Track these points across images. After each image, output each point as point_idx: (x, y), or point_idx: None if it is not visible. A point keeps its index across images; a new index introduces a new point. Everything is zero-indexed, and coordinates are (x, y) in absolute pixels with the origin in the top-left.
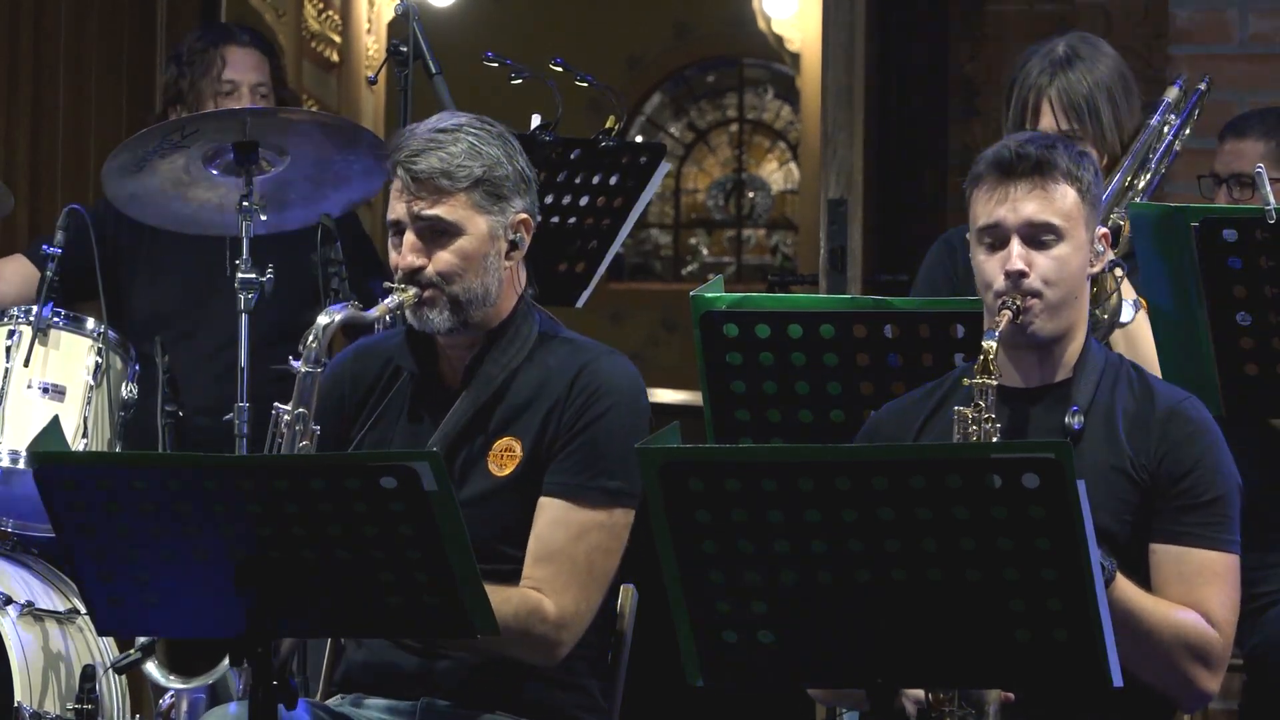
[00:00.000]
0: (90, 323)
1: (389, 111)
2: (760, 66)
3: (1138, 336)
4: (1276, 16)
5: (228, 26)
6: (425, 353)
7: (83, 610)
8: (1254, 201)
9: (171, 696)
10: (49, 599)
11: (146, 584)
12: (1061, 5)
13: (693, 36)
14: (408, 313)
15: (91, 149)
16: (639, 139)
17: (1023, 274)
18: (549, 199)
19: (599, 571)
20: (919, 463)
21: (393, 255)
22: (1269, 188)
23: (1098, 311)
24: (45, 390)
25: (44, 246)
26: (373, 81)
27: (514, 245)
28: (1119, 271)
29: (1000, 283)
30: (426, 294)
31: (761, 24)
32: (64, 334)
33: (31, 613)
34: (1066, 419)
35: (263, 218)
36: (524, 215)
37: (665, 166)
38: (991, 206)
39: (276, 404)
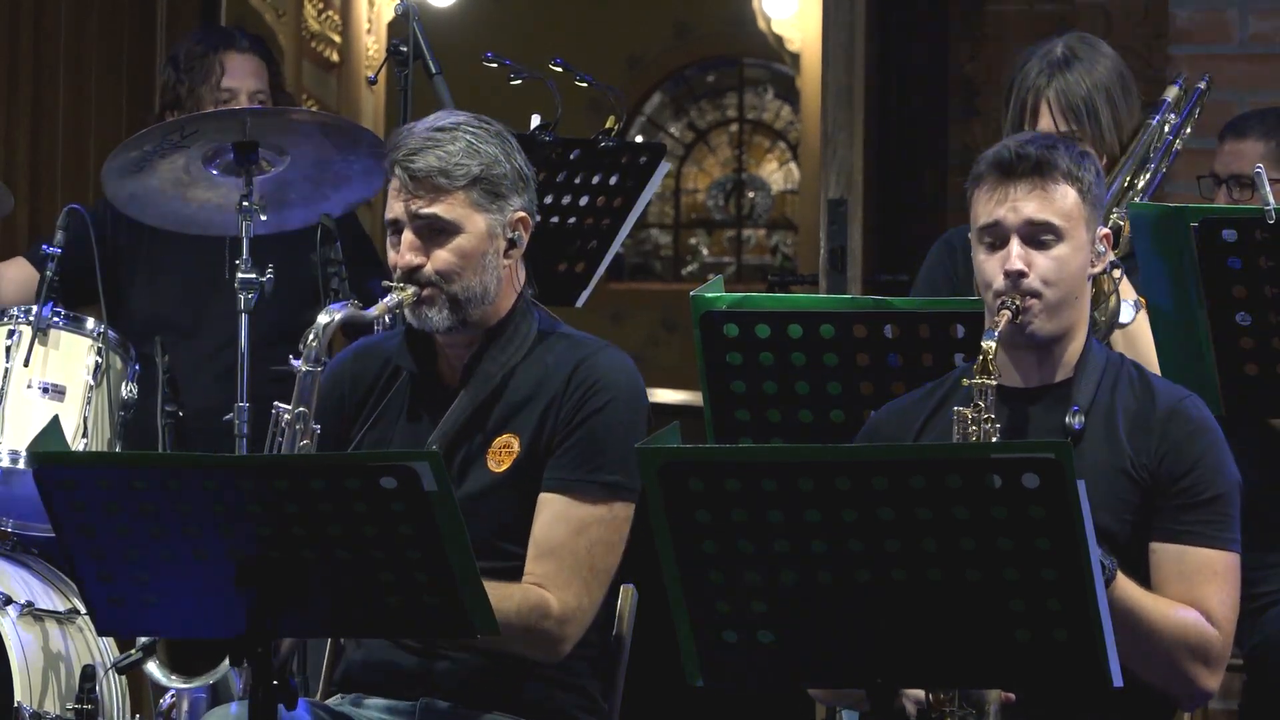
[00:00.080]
0: (90, 323)
1: (389, 111)
2: (760, 66)
3: (1137, 336)
4: (1276, 16)
5: (226, 31)
6: (424, 352)
7: (83, 610)
8: (1254, 202)
9: (172, 696)
10: (49, 599)
11: (146, 584)
12: (1061, 5)
13: (693, 36)
14: (407, 311)
15: (91, 149)
16: (639, 139)
17: (1022, 274)
18: (549, 199)
19: (601, 566)
20: (919, 463)
21: (391, 254)
22: (1268, 188)
23: (1096, 313)
24: (45, 390)
25: (44, 247)
26: (373, 81)
27: (512, 243)
28: (1116, 272)
29: (1000, 282)
30: (425, 293)
31: (761, 24)
32: (64, 334)
33: (31, 613)
34: (1067, 419)
35: (263, 218)
36: (522, 213)
37: (665, 166)
38: (991, 206)
39: (277, 403)
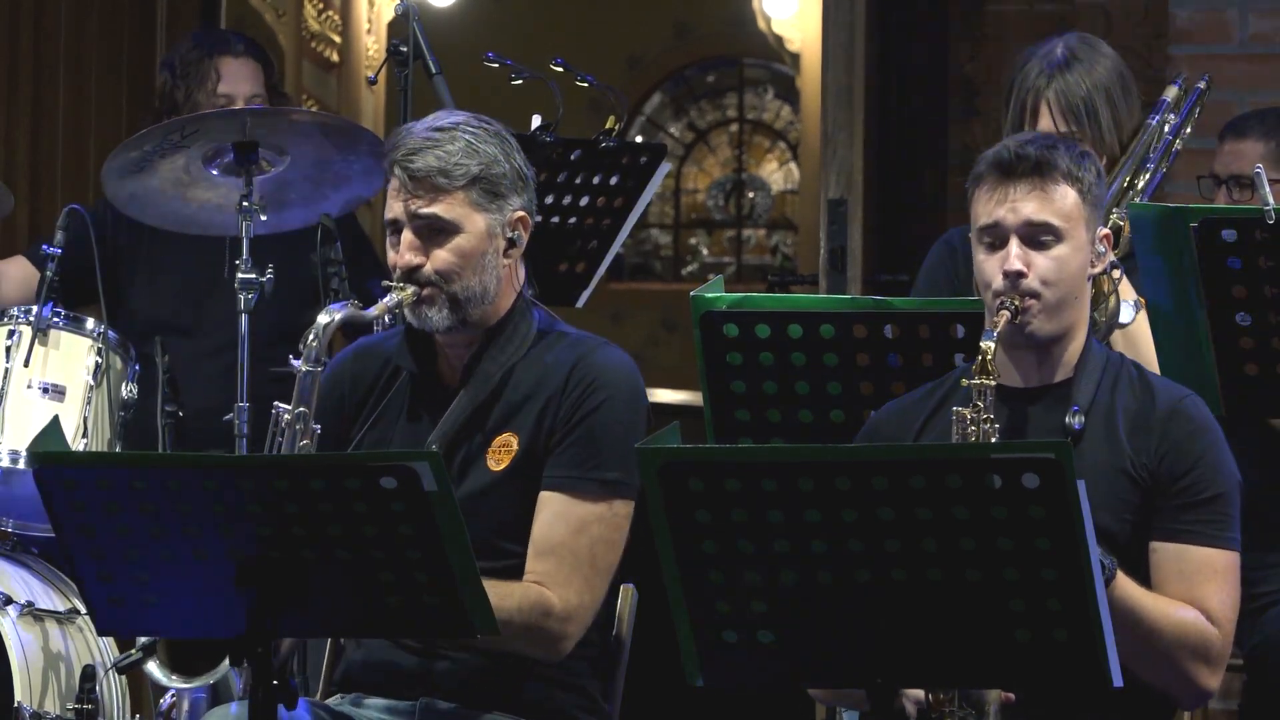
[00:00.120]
0: (90, 323)
1: (389, 111)
2: (760, 66)
3: (1138, 336)
4: (1276, 16)
5: (222, 35)
6: (424, 352)
7: (83, 610)
8: (1253, 202)
9: (172, 696)
10: (49, 599)
11: (146, 584)
12: (1061, 5)
13: (693, 36)
14: (406, 311)
15: (91, 149)
16: (639, 139)
17: (1021, 274)
18: (549, 199)
19: (601, 564)
20: (919, 463)
21: (390, 254)
22: (1268, 188)
23: (1096, 314)
24: (45, 390)
25: (44, 247)
26: (373, 81)
27: (512, 243)
28: (1116, 273)
29: (999, 283)
30: (425, 292)
31: (761, 24)
32: (64, 334)
33: (31, 613)
34: (1067, 419)
35: (263, 218)
36: (522, 213)
37: (665, 167)
38: (991, 206)
39: (277, 403)
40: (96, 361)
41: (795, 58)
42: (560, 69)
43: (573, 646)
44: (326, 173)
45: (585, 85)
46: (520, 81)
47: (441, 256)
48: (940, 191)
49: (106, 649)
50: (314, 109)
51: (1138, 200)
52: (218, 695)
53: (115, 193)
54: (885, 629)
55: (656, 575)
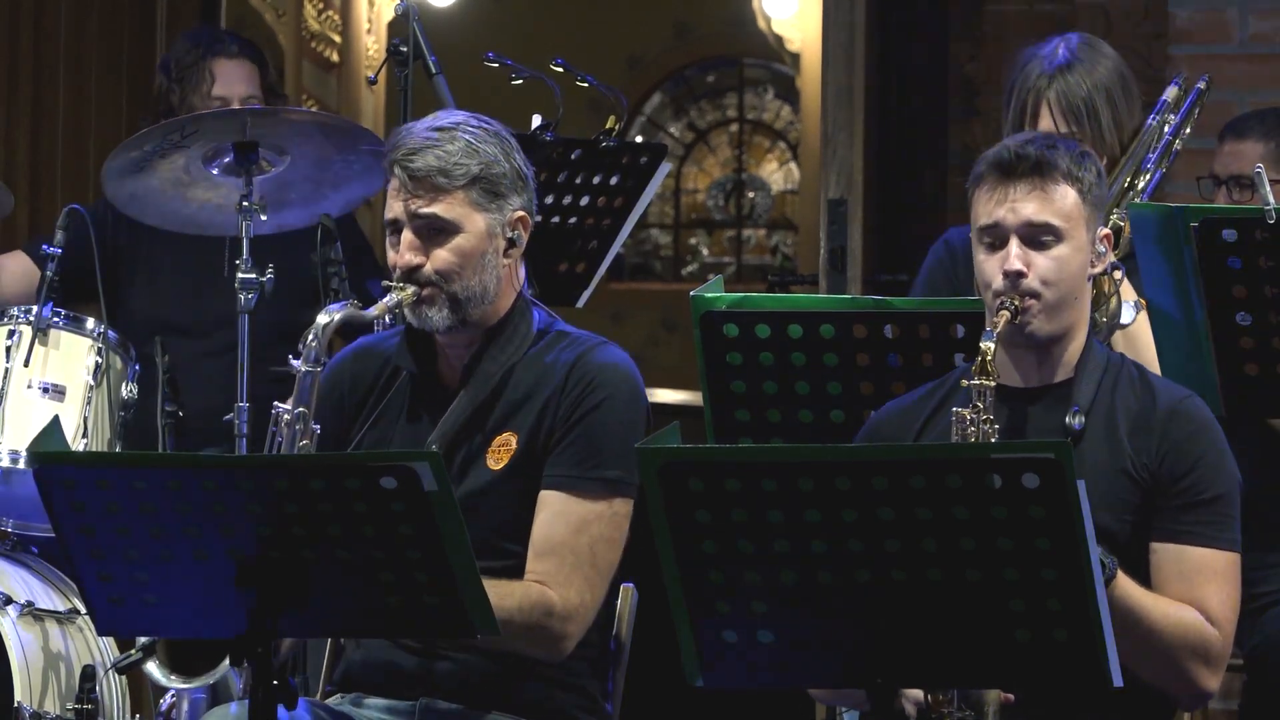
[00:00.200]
0: (90, 323)
1: (389, 111)
2: (760, 66)
3: (1138, 337)
4: (1276, 16)
5: (216, 35)
6: (424, 352)
7: (83, 610)
8: (1254, 202)
9: (172, 696)
10: (49, 599)
11: (146, 584)
12: (1061, 5)
13: (693, 36)
14: (406, 311)
15: (91, 149)
16: (639, 139)
17: (1021, 274)
18: (549, 199)
19: (602, 562)
20: (919, 463)
21: (390, 254)
22: (1268, 188)
23: (1096, 315)
24: (45, 390)
25: (44, 246)
26: (373, 81)
27: (512, 243)
28: (1118, 274)
29: (999, 283)
30: (425, 292)
31: (761, 24)
32: (64, 334)
33: (31, 613)
34: (1067, 419)
35: (263, 218)
36: (521, 213)
37: (666, 167)
38: (991, 207)
39: (276, 403)
40: (96, 361)
41: (795, 58)
42: (560, 69)
43: (574, 646)
44: (326, 173)
45: (585, 85)
46: (520, 81)
47: (441, 256)
48: (940, 191)
49: (106, 649)
50: (314, 109)
51: (1138, 200)
52: (217, 695)
53: (115, 193)
54: (885, 629)
55: (656, 575)
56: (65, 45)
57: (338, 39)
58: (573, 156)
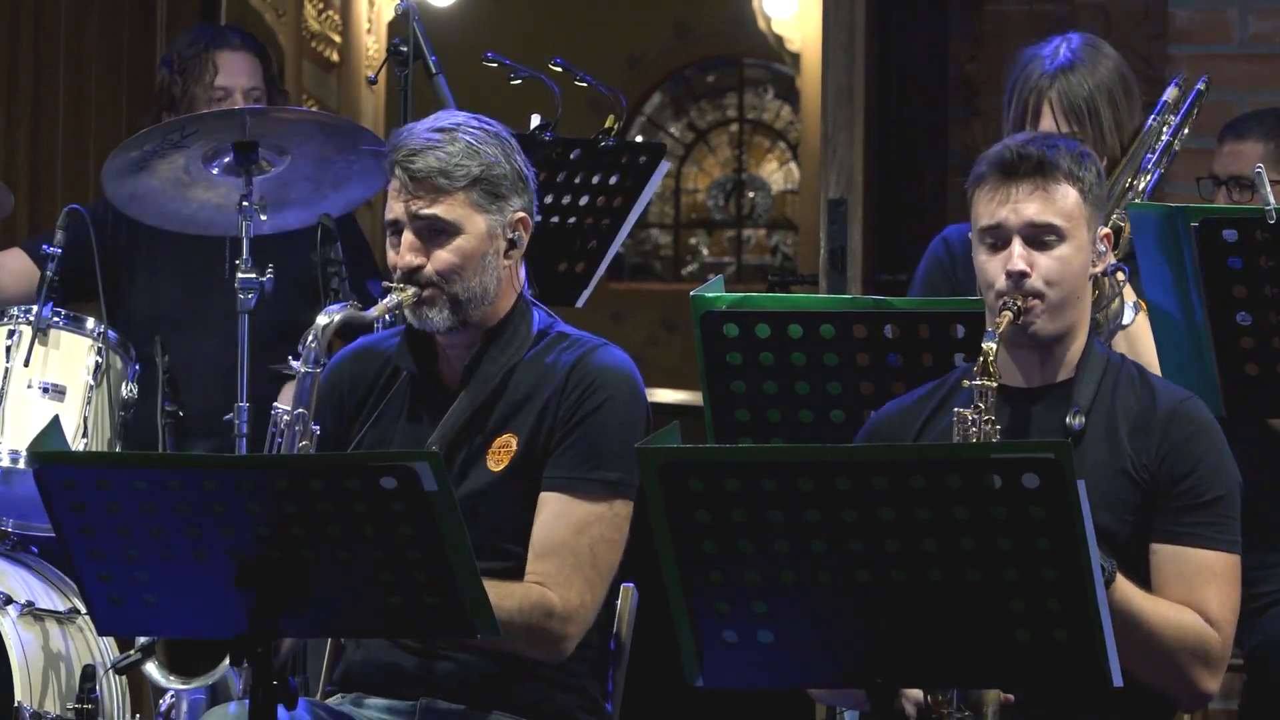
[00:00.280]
0: (90, 323)
1: (389, 111)
2: (760, 66)
3: (1138, 338)
4: (1276, 16)
5: (219, 29)
6: (424, 353)
7: (83, 610)
8: (1253, 203)
9: (171, 697)
10: (49, 599)
11: (146, 584)
12: (1061, 5)
13: (693, 36)
14: (407, 312)
15: (91, 149)
16: (639, 139)
17: (1024, 274)
18: (549, 199)
19: (602, 564)
20: (919, 463)
21: (391, 255)
22: (1269, 188)
23: (1099, 316)
24: (45, 390)
25: (44, 246)
26: (373, 81)
27: (512, 244)
28: (1120, 276)
29: (1002, 283)
30: (426, 293)
31: (761, 24)
32: (64, 334)
33: (31, 613)
34: (1068, 419)
35: (263, 218)
36: (522, 214)
37: (665, 166)
38: (993, 207)
39: (276, 404)
40: (96, 361)
41: (795, 58)
42: (560, 69)
43: (574, 648)
44: (326, 173)
45: (585, 85)
46: (520, 81)
47: (442, 257)
48: (940, 191)
49: (106, 649)
50: (314, 109)
51: (1138, 201)
52: (216, 696)
53: (115, 192)
54: (885, 629)
55: (656, 575)
56: (65, 45)
57: (338, 39)
58: (572, 156)
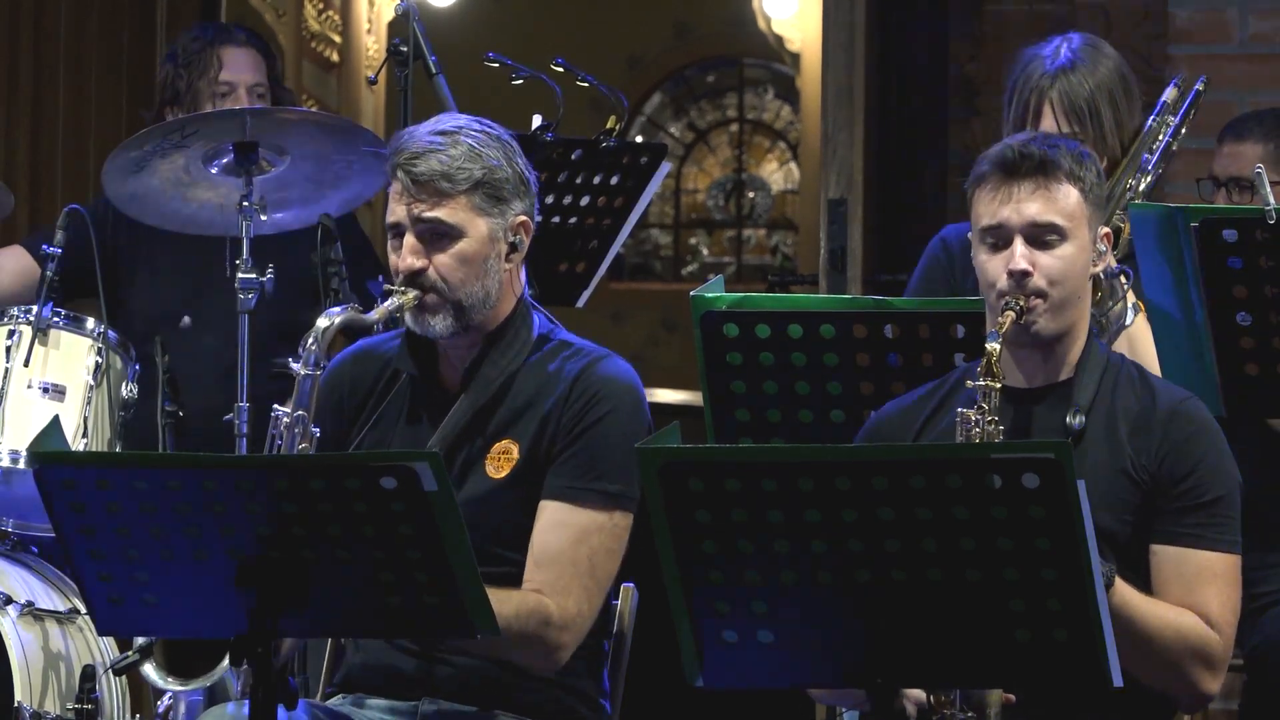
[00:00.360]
0: (90, 323)
1: (389, 111)
2: (760, 66)
3: (1138, 339)
4: (1276, 16)
5: (224, 26)
6: (425, 355)
7: (83, 610)
8: (1253, 204)
9: (169, 698)
10: (49, 599)
11: (146, 584)
12: (1061, 5)
13: (693, 36)
14: (408, 318)
15: (91, 149)
16: (639, 139)
17: (1026, 274)
18: (550, 199)
19: (601, 574)
20: (919, 463)
21: (392, 258)
22: (1269, 189)
23: (1103, 318)
24: (45, 390)
25: (44, 246)
26: (373, 81)
27: (513, 247)
28: (1123, 278)
29: (1004, 283)
30: (428, 299)
31: (761, 24)
32: (64, 334)
33: (31, 613)
34: (1068, 418)
35: (263, 218)
36: (523, 217)
37: (666, 167)
38: (995, 206)
39: (276, 406)
40: (96, 361)
41: (795, 58)
42: (561, 69)
43: (568, 657)
44: (326, 173)
45: (586, 85)
46: (520, 81)
47: (444, 261)
48: (940, 191)
49: (106, 649)
50: (314, 109)
51: (1137, 201)
52: (214, 697)
53: (115, 192)
54: (885, 629)
55: (656, 575)
56: (65, 45)
57: (338, 39)
58: (573, 156)
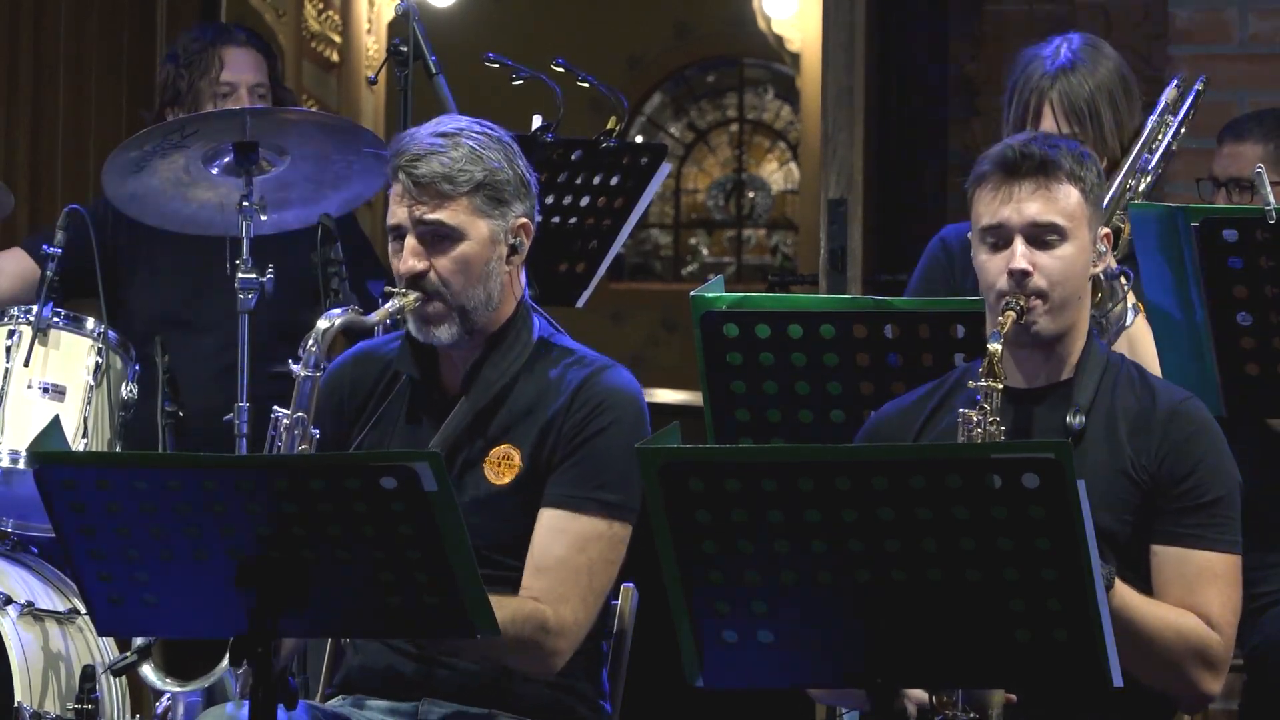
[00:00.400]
0: (90, 323)
1: (389, 111)
2: (760, 66)
3: (1138, 340)
4: (1276, 16)
5: (225, 26)
6: (425, 358)
7: (83, 610)
8: (1254, 204)
9: (168, 699)
10: (49, 599)
11: (146, 584)
12: (1061, 5)
13: (693, 36)
14: (410, 326)
15: (91, 149)
16: (639, 139)
17: (1026, 274)
18: (550, 199)
19: (598, 583)
20: (919, 463)
21: (393, 260)
22: (1269, 189)
23: (1102, 320)
24: (45, 390)
25: (44, 246)
26: (373, 81)
27: (514, 249)
28: (1124, 279)
29: (1004, 283)
30: (431, 308)
31: (761, 24)
32: (64, 334)
33: (31, 613)
34: (1067, 418)
35: (263, 218)
36: (524, 219)
37: (666, 167)
38: (995, 206)
39: (275, 407)
40: (96, 361)
41: (795, 58)
42: (561, 69)
43: (563, 664)
44: (326, 173)
45: (586, 85)
46: (520, 82)
47: (445, 263)
48: (940, 191)
49: (106, 649)
50: (314, 109)
51: (1137, 201)
52: (213, 698)
53: (115, 193)
54: (885, 629)
55: (656, 575)
56: (65, 45)
57: (338, 39)
58: (573, 157)
